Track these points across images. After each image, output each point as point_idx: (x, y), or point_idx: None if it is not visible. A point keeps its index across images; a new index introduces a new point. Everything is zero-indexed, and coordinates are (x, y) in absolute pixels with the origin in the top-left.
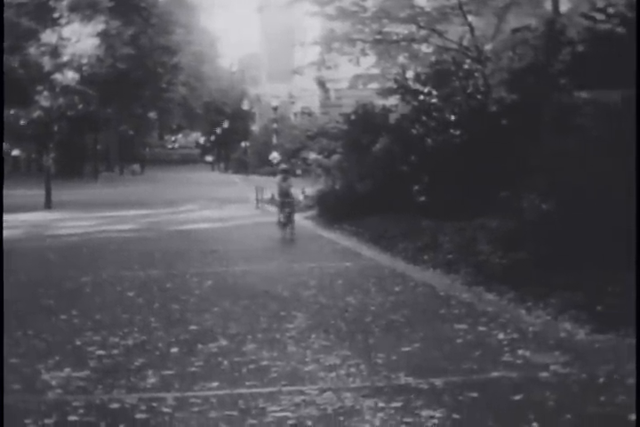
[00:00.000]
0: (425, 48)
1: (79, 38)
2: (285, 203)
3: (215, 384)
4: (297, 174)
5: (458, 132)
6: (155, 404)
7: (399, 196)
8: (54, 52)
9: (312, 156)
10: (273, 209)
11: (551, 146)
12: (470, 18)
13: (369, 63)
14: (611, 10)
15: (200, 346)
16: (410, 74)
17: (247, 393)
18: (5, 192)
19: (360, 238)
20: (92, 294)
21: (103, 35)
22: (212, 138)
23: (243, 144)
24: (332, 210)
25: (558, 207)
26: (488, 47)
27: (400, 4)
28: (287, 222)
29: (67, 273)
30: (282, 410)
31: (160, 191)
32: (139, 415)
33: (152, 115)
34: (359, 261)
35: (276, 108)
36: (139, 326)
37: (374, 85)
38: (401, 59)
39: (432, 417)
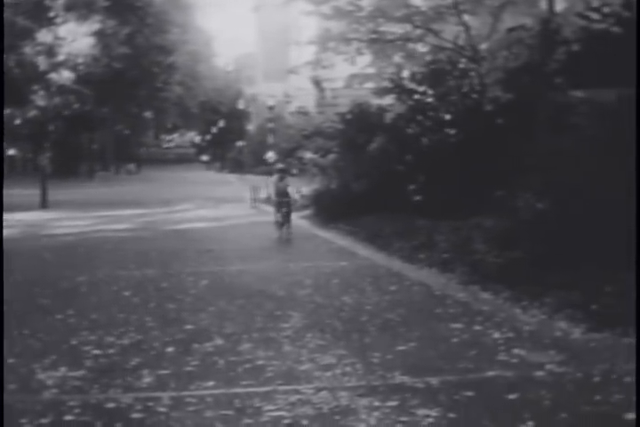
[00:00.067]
0: (420, 47)
1: (75, 38)
2: (282, 203)
3: (211, 384)
4: (293, 174)
5: (453, 132)
6: (150, 403)
7: (395, 195)
8: (50, 51)
9: (308, 155)
10: (269, 208)
11: (546, 145)
12: (466, 17)
13: (365, 62)
14: (606, 9)
15: (196, 345)
16: (405, 73)
17: (243, 392)
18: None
19: (356, 238)
20: (88, 294)
21: (99, 34)
22: (208, 137)
23: (238, 143)
24: (327, 209)
25: (553, 206)
26: (483, 46)
27: (395, 4)
28: (284, 222)
29: (62, 273)
30: (277, 409)
31: (156, 191)
32: (134, 415)
33: (148, 114)
34: (355, 260)
35: (271, 108)
36: (134, 326)
37: (370, 85)
38: (396, 58)
39: (428, 416)
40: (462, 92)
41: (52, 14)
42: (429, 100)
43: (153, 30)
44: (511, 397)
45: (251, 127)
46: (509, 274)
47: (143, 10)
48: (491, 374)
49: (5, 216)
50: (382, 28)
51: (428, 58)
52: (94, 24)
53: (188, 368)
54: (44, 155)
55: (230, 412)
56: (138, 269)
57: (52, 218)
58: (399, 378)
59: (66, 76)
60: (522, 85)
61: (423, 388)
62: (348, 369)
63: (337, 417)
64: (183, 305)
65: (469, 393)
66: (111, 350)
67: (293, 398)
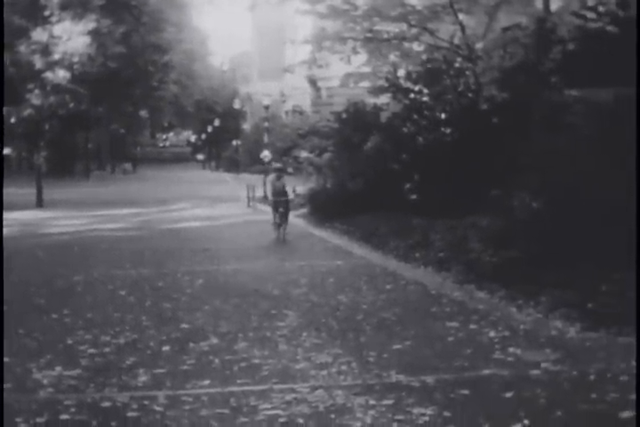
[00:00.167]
0: (416, 46)
1: (70, 37)
2: (279, 202)
3: (207, 382)
4: (288, 173)
5: (449, 131)
6: (146, 402)
7: (390, 194)
8: (45, 50)
9: (303, 154)
10: (264, 208)
11: (542, 144)
12: (461, 16)
13: (360, 62)
14: (601, 8)
15: (191, 344)
16: (401, 72)
17: (238, 391)
18: None
19: (351, 237)
20: (84, 293)
21: (94, 33)
22: (204, 136)
23: (234, 143)
24: (323, 208)
25: (549, 206)
26: (479, 46)
27: (391, 3)
28: (281, 222)
29: (58, 272)
30: (273, 408)
31: (151, 190)
32: (130, 414)
33: (143, 113)
34: (350, 259)
35: (267, 107)
36: (130, 325)
37: (365, 84)
38: (392, 57)
39: (423, 415)
40: (458, 92)
41: (47, 13)
42: (425, 99)
43: (148, 29)
44: (507, 395)
45: (246, 126)
46: (505, 273)
47: (138, 9)
48: (486, 372)
49: None
50: (378, 27)
51: (424, 57)
52: (89, 23)
53: (184, 367)
54: (40, 154)
55: (226, 410)
56: (133, 269)
57: (47, 217)
58: (395, 377)
59: (61, 74)
60: (517, 85)
61: (419, 386)
62: (343, 368)
63: (333, 416)
64: (179, 304)
65: (465, 392)
66: (107, 349)
67: (289, 396)
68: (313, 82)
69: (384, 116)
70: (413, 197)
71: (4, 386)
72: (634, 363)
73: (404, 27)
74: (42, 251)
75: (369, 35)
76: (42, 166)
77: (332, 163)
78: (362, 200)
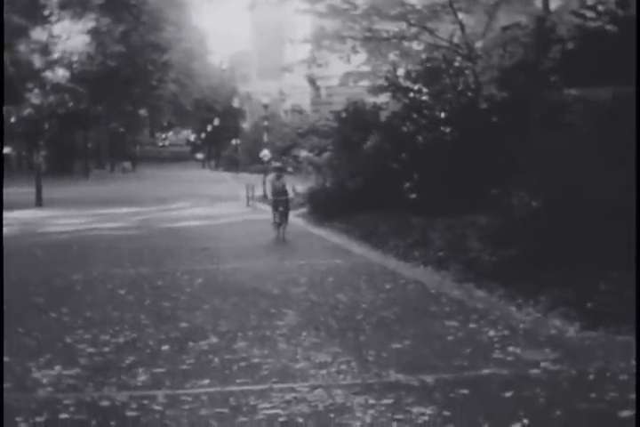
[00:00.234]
0: (415, 46)
1: (69, 36)
2: (279, 201)
3: (206, 382)
4: (288, 172)
5: (448, 130)
6: (145, 402)
7: (390, 193)
8: (44, 49)
9: (303, 153)
10: (264, 207)
11: (541, 143)
12: (461, 15)
13: (359, 61)
14: (600, 7)
15: (191, 344)
16: (400, 71)
17: (238, 391)
18: None
19: (350, 236)
20: (83, 292)
21: (93, 32)
22: (203, 135)
23: (233, 142)
24: (322, 207)
25: (548, 204)
26: (478, 45)
27: (390, 2)
28: (281, 222)
29: (57, 271)
30: (273, 407)
31: (151, 189)
32: (129, 413)
33: (142, 112)
34: (350, 258)
35: (266, 106)
36: (129, 324)
37: (365, 83)
38: (391, 56)
39: (423, 414)
40: (457, 91)
41: (46, 12)
42: (424, 98)
43: (147, 28)
44: (506, 394)
45: (245, 125)
46: (504, 272)
47: (138, 8)
48: (486, 371)
49: None
50: (377, 27)
51: (424, 56)
52: (89, 22)
53: (183, 366)
54: (39, 153)
55: (225, 410)
56: (133, 268)
57: (46, 216)
58: (394, 376)
59: (60, 74)
60: (517, 84)
61: (418, 386)
62: (343, 367)
63: (332, 415)
64: (178, 303)
65: (464, 391)
66: (106, 349)
67: (289, 396)
68: (312, 81)
69: (383, 116)
70: (413, 196)
71: (4, 385)
72: (633, 362)
73: (404, 26)
74: (41, 250)
75: (368, 34)
76: (41, 165)
77: (331, 162)
78: (361, 199)
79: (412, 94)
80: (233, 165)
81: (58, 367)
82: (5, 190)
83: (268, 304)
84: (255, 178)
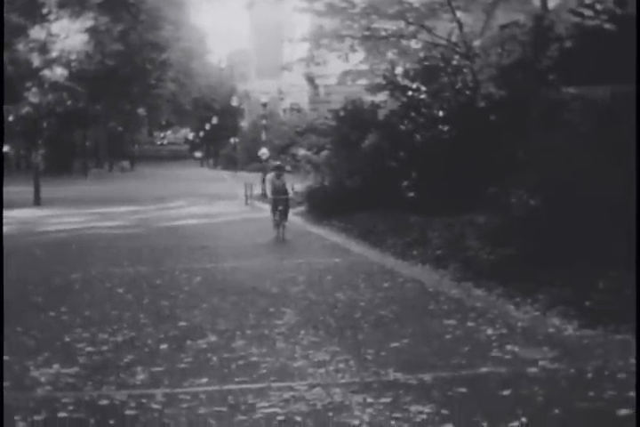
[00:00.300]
0: (414, 44)
1: (68, 34)
2: (279, 200)
3: (204, 380)
4: (286, 170)
5: (446, 128)
6: (144, 400)
7: (388, 192)
8: (43, 48)
9: (301, 152)
10: (262, 205)
11: (539, 142)
12: (459, 14)
13: (358, 59)
14: (599, 6)
15: (189, 342)
16: (399, 70)
17: (236, 389)
18: None
19: (349, 234)
20: (81, 291)
21: (92, 31)
22: (201, 134)
23: (232, 140)
24: (321, 206)
25: (546, 203)
26: (477, 43)
27: (389, 0)
28: (281, 221)
29: (56, 270)
30: (271, 406)
31: (149, 188)
32: (128, 412)
33: (141, 111)
34: (348, 257)
35: (264, 105)
36: (128, 323)
37: (363, 81)
38: (390, 55)
39: (421, 413)
40: (455, 89)
41: (45, 11)
42: (423, 96)
43: (146, 27)
44: (504, 393)
45: (244, 124)
46: (502, 270)
47: (136, 7)
48: (484, 370)
49: None
50: (375, 25)
51: (422, 54)
52: (87, 21)
53: (182, 365)
54: (38, 152)
55: (224, 409)
56: (131, 266)
57: (45, 215)
58: (393, 375)
59: (59, 72)
60: (515, 82)
61: (416, 384)
62: (341, 366)
63: (330, 414)
64: (177, 302)
65: (463, 389)
66: (104, 347)
67: (287, 394)
68: (311, 80)
69: (382, 114)
70: (411, 194)
71: (3, 384)
72: (632, 360)
73: (402, 24)
74: (39, 249)
75: (367, 32)
76: (39, 164)
77: (329, 160)
78: (359, 198)
79: (410, 93)
80: (231, 163)
81: (56, 366)
82: (4, 189)
83: (266, 303)
84: (254, 176)
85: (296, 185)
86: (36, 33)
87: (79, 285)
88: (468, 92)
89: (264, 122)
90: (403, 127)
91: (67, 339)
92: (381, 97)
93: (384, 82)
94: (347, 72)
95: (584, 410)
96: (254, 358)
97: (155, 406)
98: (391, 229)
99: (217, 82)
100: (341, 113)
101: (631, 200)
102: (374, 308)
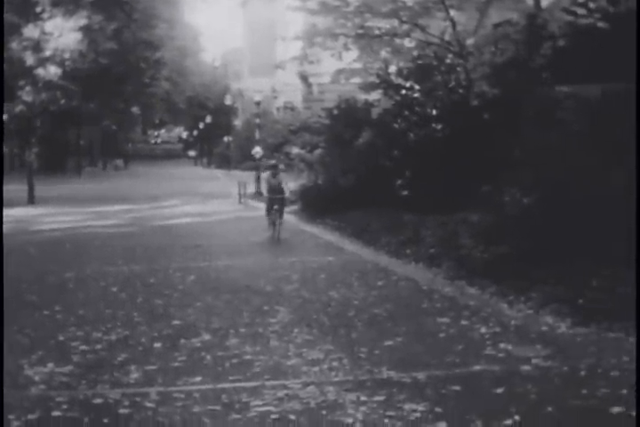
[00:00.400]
0: (407, 43)
1: (61, 33)
2: (275, 199)
3: (198, 379)
4: (282, 169)
5: (440, 127)
6: (138, 399)
7: (381, 190)
8: (36, 46)
9: (295, 150)
10: (256, 204)
11: (532, 140)
12: (452, 12)
13: (351, 58)
14: (592, 4)
15: (183, 341)
16: (392, 68)
17: (230, 388)
18: None
19: (342, 233)
20: (76, 290)
21: (85, 29)
22: (195, 133)
23: (225, 139)
24: (314, 204)
25: (539, 201)
26: (470, 42)
27: None
28: (276, 220)
29: (50, 268)
30: (265, 404)
31: (143, 186)
32: (122, 410)
33: (135, 110)
34: (342, 255)
35: (258, 103)
36: (122, 321)
37: (357, 80)
38: (383, 53)
39: (415, 411)
40: (449, 88)
41: (38, 9)
42: (416, 95)
43: (140, 26)
44: (498, 391)
45: (238, 122)
46: (495, 269)
47: (130, 5)
48: (477, 368)
49: None
50: (369, 24)
51: (415, 53)
52: (81, 19)
53: (176, 364)
54: (31, 150)
55: (218, 407)
56: (125, 265)
57: (39, 214)
58: (386, 373)
59: (52, 71)
60: (508, 81)
61: (410, 382)
62: (335, 364)
63: (324, 412)
64: (170, 300)
65: (456, 388)
66: (98, 346)
67: (281, 393)
68: (304, 78)
69: (375, 113)
70: (405, 193)
71: None
72: (624, 358)
73: (396, 23)
74: (34, 248)
75: (360, 31)
76: (33, 163)
77: (323, 159)
78: (353, 196)
79: (403, 91)
80: (225, 162)
81: (50, 365)
82: None
83: (260, 301)
84: (247, 175)
85: (290, 184)
86: (30, 31)
87: (73, 283)
88: (461, 91)
89: (258, 120)
90: (396, 126)
91: (61, 338)
92: (375, 95)
93: (378, 80)
94: (340, 71)
95: (577, 408)
96: (248, 357)
97: (149, 404)
98: (385, 228)
99: (211, 80)
100: (335, 111)
101: (626, 198)
102: (368, 306)
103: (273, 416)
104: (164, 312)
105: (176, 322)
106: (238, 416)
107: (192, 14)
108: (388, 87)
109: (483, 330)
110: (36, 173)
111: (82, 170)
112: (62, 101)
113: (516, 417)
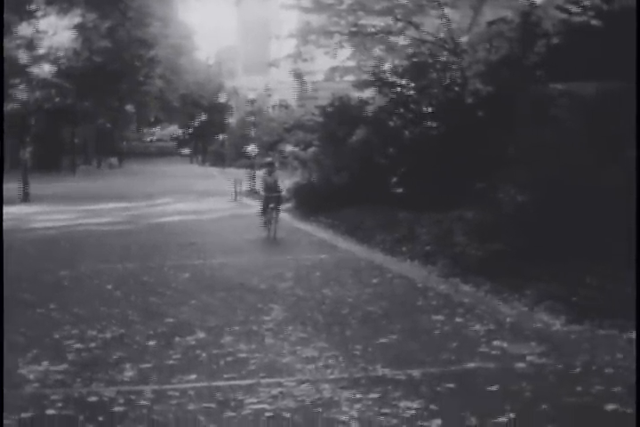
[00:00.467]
0: (401, 40)
1: (55, 31)
2: (270, 198)
3: (193, 377)
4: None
5: (434, 124)
6: (133, 397)
7: (376, 187)
8: (30, 44)
9: (289, 148)
10: (250, 202)
11: (527, 138)
12: (446, 10)
13: (345, 56)
14: (586, 2)
15: (178, 339)
16: (386, 66)
17: (225, 385)
18: None
19: (337, 230)
20: (71, 288)
21: (80, 27)
22: (190, 131)
23: (220, 137)
24: (308, 202)
25: (534, 199)
26: (464, 39)
27: None
28: (271, 219)
29: (45, 266)
30: (260, 402)
31: (138, 184)
32: (117, 408)
33: (129, 108)
34: (336, 253)
35: (252, 101)
36: (117, 320)
37: (351, 78)
38: (377, 51)
39: (409, 408)
40: (443, 85)
41: (32, 7)
42: (410, 93)
43: (134, 24)
44: (492, 388)
45: (232, 120)
46: (490, 266)
47: (124, 3)
48: (472, 365)
49: None
50: (363, 22)
51: (409, 51)
52: (75, 17)
53: (170, 362)
54: (26, 149)
55: (212, 405)
56: (120, 263)
57: (33, 212)
58: (381, 370)
59: (47, 69)
60: (502, 78)
61: (405, 380)
62: (330, 362)
63: (319, 410)
64: (165, 298)
65: (451, 385)
66: (93, 344)
67: (276, 390)
68: (298, 76)
69: (369, 110)
70: (399, 190)
71: None
72: (618, 355)
73: (390, 21)
74: (28, 246)
75: (354, 29)
76: (28, 161)
77: (317, 157)
78: (347, 194)
79: (398, 89)
80: (220, 160)
81: (45, 363)
82: None
83: (254, 299)
84: (242, 173)
85: (285, 181)
86: (24, 29)
87: (68, 281)
88: (456, 89)
89: (252, 118)
90: (391, 123)
91: (55, 336)
92: (369, 93)
93: (372, 78)
94: (334, 68)
95: (572, 405)
96: (243, 355)
97: (143, 402)
98: (379, 225)
99: (205, 78)
100: (329, 109)
101: (621, 196)
102: (362, 304)
103: (268, 414)
104: (159, 310)
105: (171, 320)
106: (233, 414)
107: (186, 12)
108: (383, 85)
109: (477, 327)
110: (30, 171)
111: (76, 168)
112: (57, 99)
113: (511, 414)
